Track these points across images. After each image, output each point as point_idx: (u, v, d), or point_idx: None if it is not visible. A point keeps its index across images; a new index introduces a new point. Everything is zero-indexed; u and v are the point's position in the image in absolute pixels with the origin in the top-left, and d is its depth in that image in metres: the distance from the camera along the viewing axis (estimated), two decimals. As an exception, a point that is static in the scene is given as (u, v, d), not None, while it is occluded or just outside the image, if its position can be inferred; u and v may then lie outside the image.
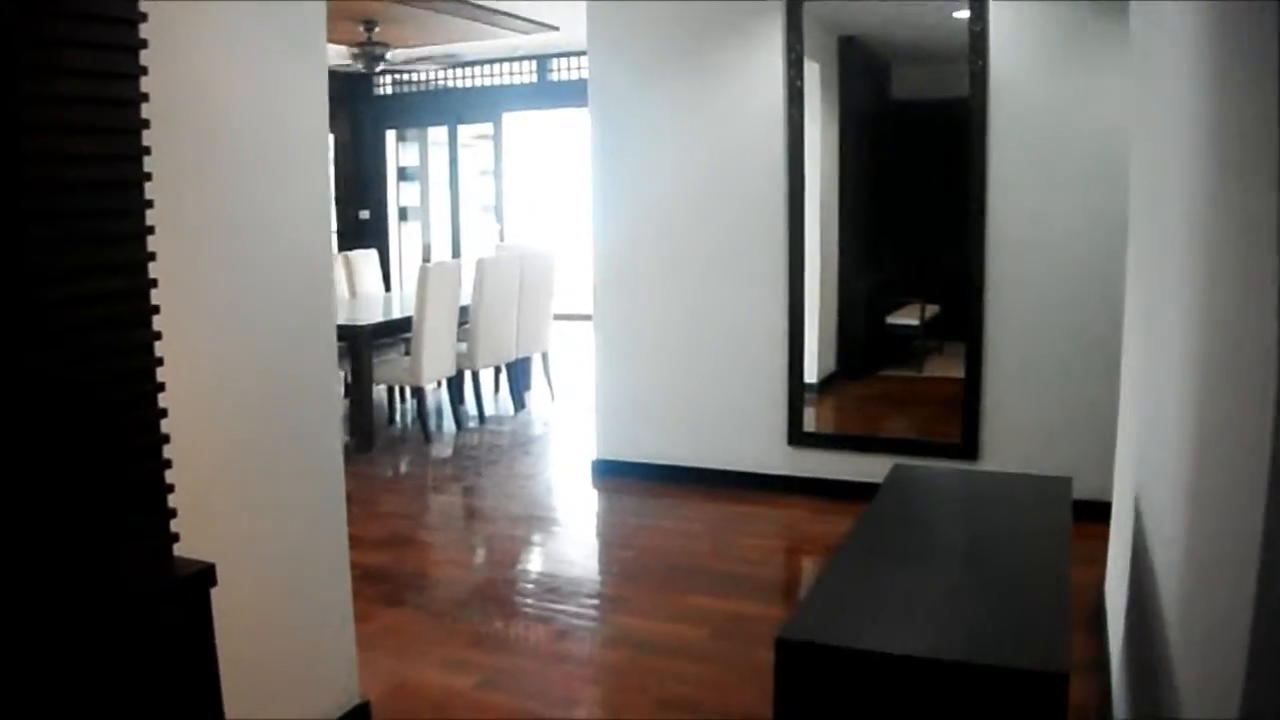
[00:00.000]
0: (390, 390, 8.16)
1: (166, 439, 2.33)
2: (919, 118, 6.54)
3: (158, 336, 2.31)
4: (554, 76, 10.97)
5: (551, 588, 4.70)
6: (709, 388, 6.12)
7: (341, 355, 7.42)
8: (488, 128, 11.43)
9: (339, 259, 9.08)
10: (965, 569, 2.41)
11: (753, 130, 5.84)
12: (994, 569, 2.38)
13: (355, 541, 5.55)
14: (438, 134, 11.60)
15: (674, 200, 6.11)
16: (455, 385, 7.95)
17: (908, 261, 7.08)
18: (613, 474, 6.34)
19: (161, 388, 2.31)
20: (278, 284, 3.05)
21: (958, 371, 5.84)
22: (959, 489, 3.23)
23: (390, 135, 11.63)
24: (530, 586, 4.74)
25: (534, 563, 5.08)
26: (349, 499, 6.17)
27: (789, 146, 5.76)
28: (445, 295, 7.42)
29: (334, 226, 3.20)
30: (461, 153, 11.57)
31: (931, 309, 7.09)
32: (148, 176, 2.26)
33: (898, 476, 3.17)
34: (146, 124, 2.24)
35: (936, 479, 3.35)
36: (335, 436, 3.34)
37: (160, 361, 2.32)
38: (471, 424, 7.95)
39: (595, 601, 4.57)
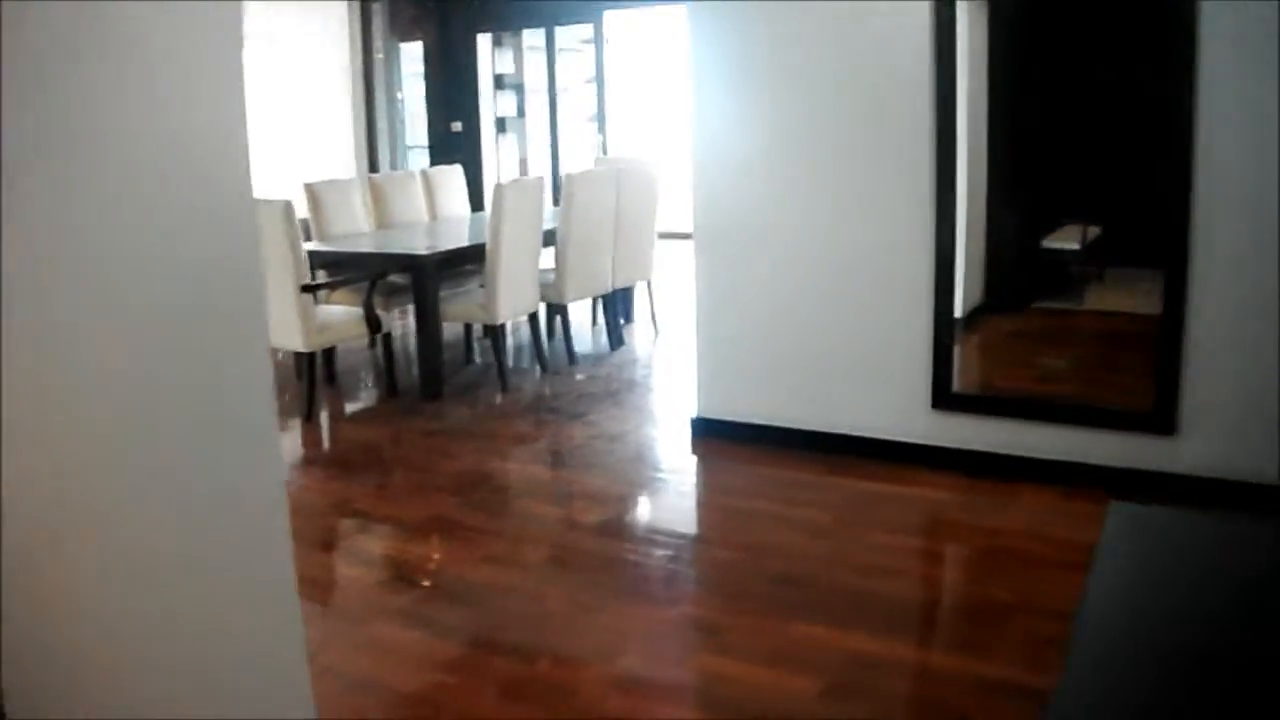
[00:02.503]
0: (468, 328, 7.14)
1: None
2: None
3: None
4: (662, -32, 9.75)
5: (621, 608, 3.64)
6: (833, 335, 4.96)
7: (405, 289, 6.43)
8: (589, 30, 10.24)
9: (417, 176, 8.06)
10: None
11: (889, 13, 4.62)
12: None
13: (390, 525, 4.56)
14: (534, 37, 10.44)
15: (791, 102, 4.91)
16: (540, 322, 6.90)
17: (1065, 176, 5.82)
18: (716, 436, 5.24)
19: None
20: (154, 220, 2.00)
21: (1122, 304, 4.69)
22: (1220, 565, 2.05)
23: (483, 39, 10.49)
24: (592, 605, 3.68)
25: (603, 568, 3.99)
26: (401, 462, 5.25)
27: (936, 33, 4.52)
28: (525, 218, 6.34)
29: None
30: (562, 58, 10.41)
31: (1091, 230, 5.86)
32: None
33: (1118, 541, 2.01)
34: None
35: (1176, 538, 2.17)
36: (267, 428, 2.29)
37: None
38: (559, 367, 6.90)
39: (675, 632, 3.50)
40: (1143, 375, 4.48)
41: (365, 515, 4.63)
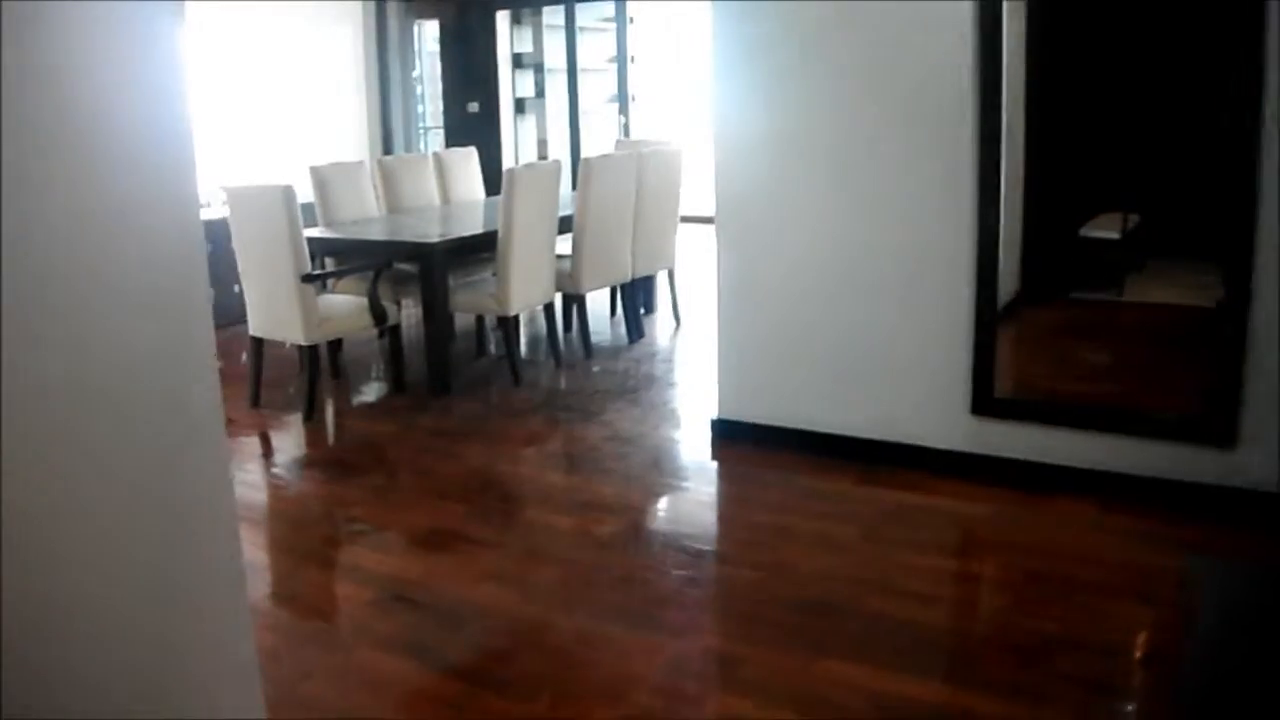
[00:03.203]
0: (480, 317, 6.82)
1: None
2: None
3: None
4: (687, -57, 9.38)
5: (632, 637, 3.32)
6: (864, 332, 4.63)
7: (415, 277, 6.13)
8: (611, 8, 9.88)
9: (429, 159, 7.75)
10: None
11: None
12: None
13: (390, 535, 4.21)
14: (555, 15, 10.08)
15: (821, 81, 4.57)
16: (556, 313, 6.59)
17: (1104, 160, 5.47)
18: (738, 440, 4.91)
19: None
20: (85, 214, 1.72)
21: (1164, 296, 4.55)
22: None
23: (502, 17, 10.13)
24: (601, 633, 3.36)
25: (615, 589, 3.67)
26: (404, 464, 4.95)
27: (979, 10, 4.18)
28: (539, 204, 6.03)
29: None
30: (583, 37, 10.05)
31: (1131, 219, 5.51)
32: None
33: (1209, 596, 1.70)
34: None
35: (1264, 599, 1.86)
36: (213, 431, 2.01)
37: None
38: (575, 360, 6.59)
39: (692, 666, 3.19)
40: (1192, 375, 4.16)
41: (363, 523, 4.33)
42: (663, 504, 4.47)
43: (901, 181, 4.44)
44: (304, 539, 4.26)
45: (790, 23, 4.57)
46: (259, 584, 3.79)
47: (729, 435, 4.96)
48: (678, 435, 5.21)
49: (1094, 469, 4.20)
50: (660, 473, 4.78)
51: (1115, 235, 5.66)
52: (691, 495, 4.53)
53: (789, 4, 4.55)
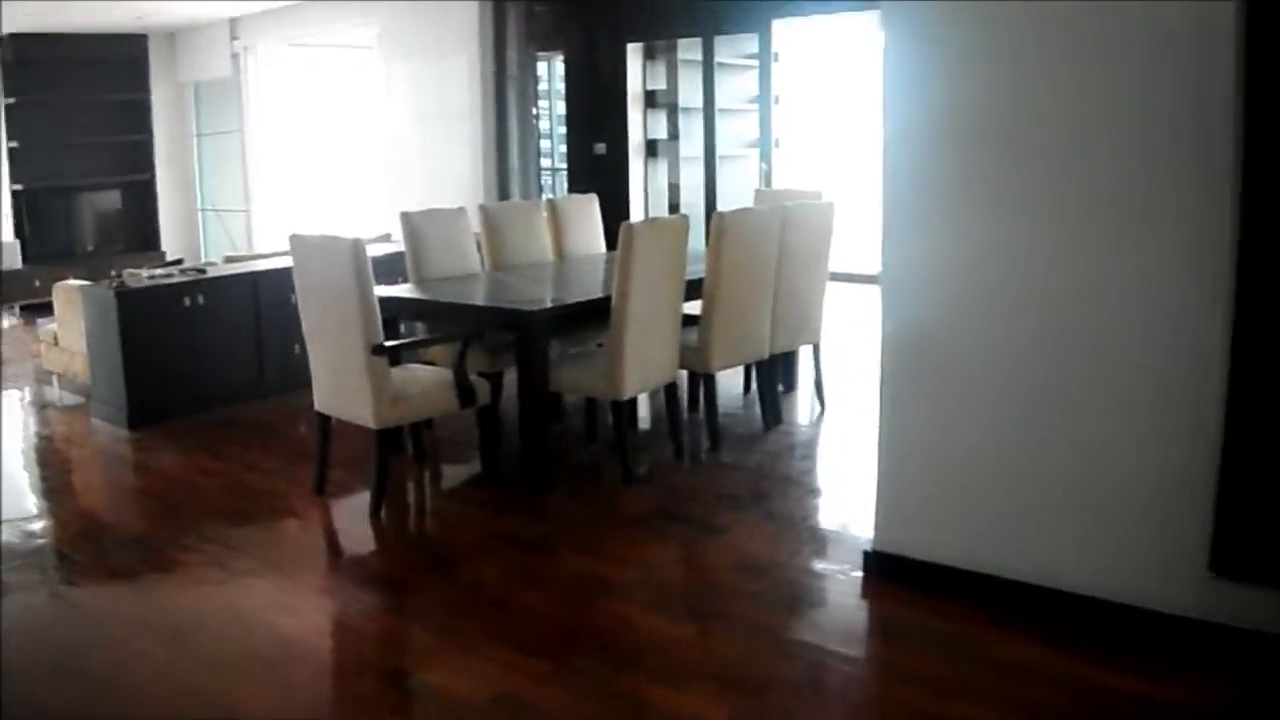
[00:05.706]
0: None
1: None
2: None
3: None
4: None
5: None
6: (1071, 449, 3.54)
7: (508, 349, 5.21)
8: (753, 43, 8.89)
9: (541, 206, 6.85)
10: None
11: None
12: None
13: (438, 704, 3.32)
14: (690, 50, 9.11)
15: (1014, 132, 3.54)
16: (679, 392, 5.60)
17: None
18: (898, 581, 3.85)
19: None
20: None
21: None
22: None
23: (633, 51, 9.20)
24: None
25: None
26: (476, 590, 3.96)
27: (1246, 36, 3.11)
28: (661, 267, 5.05)
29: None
30: (723, 75, 9.07)
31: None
32: None
33: None
34: None
35: None
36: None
37: None
38: (699, 450, 5.59)
39: None
40: None
41: (407, 680, 3.39)
42: (798, 677, 3.39)
43: (1134, 252, 3.36)
44: (333, 700, 3.33)
45: (981, 61, 3.55)
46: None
47: (886, 573, 3.90)
48: (821, 567, 4.15)
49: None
50: (797, 625, 3.73)
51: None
52: (836, 664, 3.45)
53: (978, 36, 3.54)
